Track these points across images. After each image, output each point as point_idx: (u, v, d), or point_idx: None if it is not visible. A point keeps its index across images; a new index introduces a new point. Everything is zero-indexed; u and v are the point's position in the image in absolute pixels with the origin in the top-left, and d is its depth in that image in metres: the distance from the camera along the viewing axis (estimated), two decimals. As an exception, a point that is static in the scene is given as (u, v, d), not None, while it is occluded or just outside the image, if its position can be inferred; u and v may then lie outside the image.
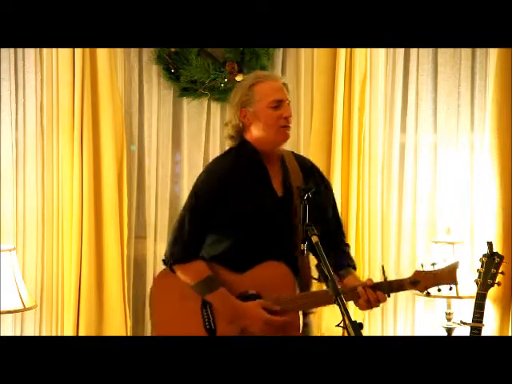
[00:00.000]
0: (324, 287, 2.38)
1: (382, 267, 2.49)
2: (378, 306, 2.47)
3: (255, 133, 2.60)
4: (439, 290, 2.53)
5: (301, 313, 2.53)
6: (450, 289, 2.52)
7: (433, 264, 2.51)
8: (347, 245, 2.75)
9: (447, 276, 2.47)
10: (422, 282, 2.47)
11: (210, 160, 3.85)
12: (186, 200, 2.66)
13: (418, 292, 3.63)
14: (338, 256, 2.64)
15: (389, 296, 2.47)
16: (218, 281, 2.55)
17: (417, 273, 2.49)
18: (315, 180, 2.68)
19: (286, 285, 2.50)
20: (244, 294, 2.55)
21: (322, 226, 2.54)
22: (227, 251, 2.59)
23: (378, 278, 2.54)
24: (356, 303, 2.48)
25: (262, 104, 2.56)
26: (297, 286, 2.51)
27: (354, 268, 2.66)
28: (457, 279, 2.46)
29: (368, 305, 2.46)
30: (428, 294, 2.55)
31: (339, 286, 2.38)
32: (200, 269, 2.57)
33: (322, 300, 2.48)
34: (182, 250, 2.59)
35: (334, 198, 2.76)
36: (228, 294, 2.53)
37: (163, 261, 2.66)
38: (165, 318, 2.65)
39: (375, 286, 2.45)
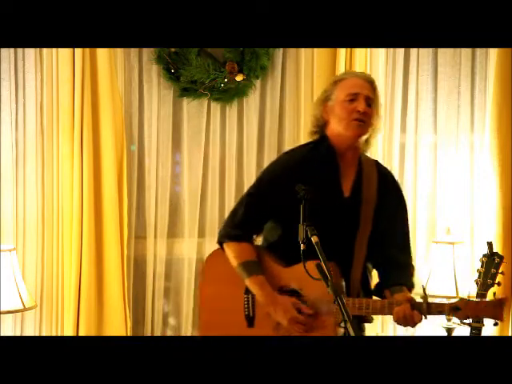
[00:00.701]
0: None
1: (424, 288, 2.44)
2: (413, 326, 2.42)
3: (333, 127, 2.61)
4: (478, 322, 2.47)
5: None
6: (495, 324, 2.42)
7: (480, 294, 2.44)
8: (411, 265, 2.69)
9: (492, 310, 2.38)
10: (463, 310, 2.39)
11: (210, 160, 3.89)
12: (253, 183, 2.71)
13: (417, 291, 3.66)
14: (398, 272, 2.61)
15: (425, 318, 2.42)
16: (261, 268, 2.57)
17: (461, 300, 2.43)
18: (390, 194, 2.65)
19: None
20: (285, 288, 2.56)
21: (385, 239, 2.58)
22: (282, 240, 2.60)
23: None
24: (393, 318, 2.44)
25: (339, 97, 2.57)
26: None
27: (409, 288, 2.59)
28: (503, 316, 2.37)
29: (404, 321, 2.42)
30: (464, 324, 2.46)
31: (380, 303, 2.43)
32: (246, 251, 2.61)
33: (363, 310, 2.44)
34: (233, 229, 2.65)
35: (406, 217, 2.71)
36: (265, 282, 2.55)
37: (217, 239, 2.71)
38: (210, 297, 2.68)
39: (414, 305, 2.41)
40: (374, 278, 2.73)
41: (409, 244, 2.71)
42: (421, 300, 2.42)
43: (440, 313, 2.43)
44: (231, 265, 2.62)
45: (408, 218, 2.73)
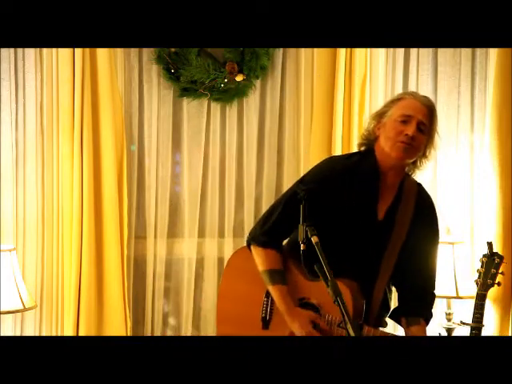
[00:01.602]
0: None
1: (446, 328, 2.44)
2: None
3: (381, 143, 2.57)
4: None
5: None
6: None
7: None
8: (433, 294, 2.68)
9: None
10: None
11: (210, 160, 3.89)
12: (288, 189, 2.67)
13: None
14: (417, 302, 2.61)
15: None
16: (284, 278, 2.58)
17: None
18: (425, 222, 2.63)
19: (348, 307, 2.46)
20: (304, 301, 2.57)
21: (411, 266, 2.57)
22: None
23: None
24: None
25: (393, 116, 2.54)
26: (361, 311, 2.47)
27: (426, 320, 2.60)
28: None
29: None
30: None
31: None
32: (273, 259, 2.62)
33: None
34: (263, 233, 2.64)
35: (436, 249, 2.70)
36: (287, 293, 2.56)
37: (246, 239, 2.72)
38: (230, 290, 2.70)
39: None
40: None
41: (435, 276, 2.69)
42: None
43: None
44: (255, 265, 2.64)
45: (437, 249, 2.71)
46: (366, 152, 2.62)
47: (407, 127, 2.50)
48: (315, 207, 2.46)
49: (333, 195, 2.53)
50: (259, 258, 2.63)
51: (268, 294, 2.61)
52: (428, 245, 2.67)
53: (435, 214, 2.71)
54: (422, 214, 2.62)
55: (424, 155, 2.59)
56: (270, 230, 2.63)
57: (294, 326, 2.53)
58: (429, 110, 2.57)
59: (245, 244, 2.75)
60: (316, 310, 2.55)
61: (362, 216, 2.53)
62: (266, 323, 2.60)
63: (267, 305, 2.61)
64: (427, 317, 2.62)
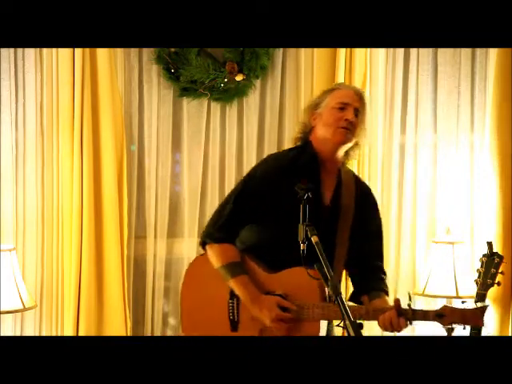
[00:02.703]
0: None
1: (409, 294, 2.47)
2: (399, 331, 2.45)
3: (318, 132, 2.65)
4: (464, 329, 2.47)
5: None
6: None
7: (463, 302, 2.49)
8: (384, 273, 2.75)
9: (474, 317, 2.42)
10: (447, 316, 2.42)
11: (210, 160, 3.89)
12: (236, 184, 2.74)
13: (418, 291, 3.66)
14: (374, 279, 2.67)
15: (411, 324, 2.45)
16: (243, 268, 2.59)
17: (444, 307, 2.45)
18: (367, 204, 2.71)
19: (312, 292, 2.49)
20: (271, 294, 2.56)
21: (360, 249, 2.64)
22: (262, 245, 2.62)
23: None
24: (379, 324, 2.47)
25: (330, 105, 2.63)
26: (322, 295, 2.50)
27: (387, 294, 2.66)
28: (484, 323, 2.41)
29: (390, 328, 2.44)
30: (452, 330, 2.48)
31: (364, 309, 2.48)
32: (229, 253, 2.63)
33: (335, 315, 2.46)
34: (217, 230, 2.66)
35: (380, 228, 2.77)
36: (250, 282, 2.56)
37: (200, 242, 2.72)
38: (192, 302, 2.69)
39: (400, 312, 2.43)
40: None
41: (382, 254, 2.77)
42: (406, 307, 2.44)
43: (425, 319, 2.46)
44: (214, 270, 2.63)
45: (382, 229, 2.79)
46: (303, 144, 2.70)
47: (345, 113, 2.60)
48: (263, 204, 2.58)
49: (278, 189, 2.58)
50: (216, 255, 2.63)
51: (232, 296, 2.60)
52: (374, 225, 2.75)
53: (375, 199, 2.81)
54: (363, 196, 2.71)
55: (357, 144, 2.68)
56: (224, 226, 2.65)
57: (262, 313, 2.52)
58: (362, 99, 2.66)
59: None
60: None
61: (309, 203, 2.56)
62: (234, 325, 2.60)
63: (233, 306, 2.60)
64: (386, 291, 2.67)
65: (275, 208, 2.58)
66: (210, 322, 2.63)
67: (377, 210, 2.79)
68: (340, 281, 2.68)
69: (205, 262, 2.68)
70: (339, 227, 2.62)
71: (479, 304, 2.49)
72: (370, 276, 2.68)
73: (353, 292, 2.73)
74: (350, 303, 2.63)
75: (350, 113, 2.60)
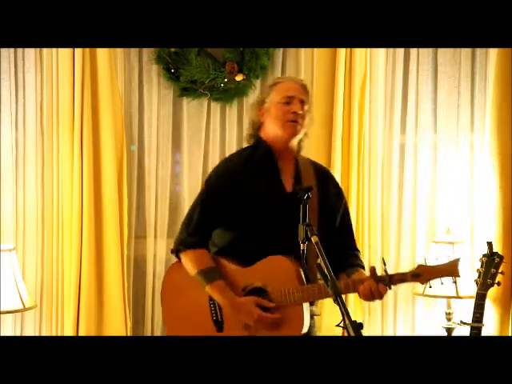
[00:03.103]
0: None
1: (383, 259, 2.53)
2: (380, 298, 2.50)
3: (268, 128, 2.69)
4: (442, 284, 2.55)
5: (307, 313, 2.54)
6: (454, 282, 2.54)
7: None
8: (357, 250, 2.80)
9: (449, 270, 2.49)
10: (424, 275, 2.49)
11: (210, 160, 3.89)
12: (199, 191, 2.76)
13: (418, 291, 3.66)
14: (348, 256, 2.71)
15: (390, 288, 2.50)
16: (219, 273, 2.60)
17: (419, 266, 2.51)
18: (327, 185, 2.74)
19: (290, 278, 2.51)
20: (250, 287, 2.58)
21: (331, 229, 2.66)
22: (234, 243, 2.64)
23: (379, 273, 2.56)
24: (360, 295, 2.51)
25: (274, 100, 2.66)
26: (304, 279, 2.53)
27: (363, 268, 2.70)
28: (459, 273, 2.48)
29: (372, 297, 2.49)
30: (430, 287, 2.58)
31: (343, 282, 2.49)
32: (203, 258, 2.64)
33: (321, 294, 2.51)
34: (188, 237, 2.67)
35: (346, 206, 2.80)
36: (226, 287, 2.58)
37: (172, 250, 2.73)
38: (174, 310, 2.69)
39: (377, 279, 2.48)
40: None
41: (352, 231, 2.83)
42: (383, 273, 2.49)
43: (403, 281, 2.52)
44: (189, 273, 2.65)
45: (348, 207, 2.83)
46: (255, 142, 2.73)
47: (292, 106, 2.63)
48: (226, 203, 2.62)
49: (237, 186, 2.63)
50: (191, 262, 2.65)
51: (212, 297, 2.62)
52: (340, 203, 2.77)
53: (335, 179, 2.85)
54: (324, 182, 2.73)
55: (305, 134, 2.72)
56: (196, 231, 2.67)
57: (242, 316, 2.54)
58: (306, 90, 2.70)
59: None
60: (263, 292, 2.57)
61: (272, 194, 2.64)
62: (219, 325, 2.61)
63: (215, 306, 2.62)
64: (362, 265, 2.71)
65: (239, 205, 2.62)
66: (194, 327, 2.64)
67: (339, 188, 2.83)
68: None
69: (178, 270, 2.69)
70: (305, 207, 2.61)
71: None
72: (344, 254, 2.70)
73: None
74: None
75: (297, 105, 2.63)
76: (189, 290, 2.67)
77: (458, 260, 2.50)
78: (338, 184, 2.85)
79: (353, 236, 2.82)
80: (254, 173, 2.67)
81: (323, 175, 2.77)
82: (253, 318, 2.53)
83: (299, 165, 2.71)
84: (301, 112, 2.64)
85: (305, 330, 2.54)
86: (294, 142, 2.69)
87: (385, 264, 2.51)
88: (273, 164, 2.68)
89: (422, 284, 2.55)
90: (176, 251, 2.70)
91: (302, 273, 2.40)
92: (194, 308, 2.64)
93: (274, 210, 2.61)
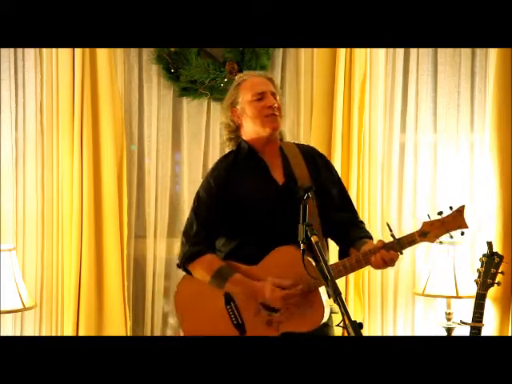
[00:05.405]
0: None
1: (388, 225, 2.50)
2: (392, 264, 2.50)
3: (247, 129, 2.69)
4: (451, 237, 2.53)
5: (326, 301, 2.53)
6: (462, 233, 2.52)
7: (439, 213, 2.50)
8: (361, 221, 2.78)
9: (456, 221, 2.48)
10: (431, 232, 2.48)
11: (210, 160, 3.89)
12: (192, 203, 2.75)
13: (418, 291, 3.66)
14: (353, 229, 2.69)
15: (401, 253, 2.50)
16: (233, 269, 2.60)
17: (425, 224, 2.50)
18: (318, 165, 2.73)
19: (299, 266, 2.44)
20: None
21: (330, 206, 2.66)
22: (236, 249, 2.64)
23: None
24: (373, 266, 2.51)
25: (246, 99, 2.66)
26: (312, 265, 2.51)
27: (371, 238, 2.67)
28: (466, 223, 2.47)
29: (384, 265, 2.49)
30: (441, 243, 2.54)
31: (354, 258, 2.51)
32: (212, 261, 2.64)
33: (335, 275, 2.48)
34: (190, 248, 2.67)
35: (338, 177, 2.79)
36: (244, 277, 2.58)
37: (177, 264, 2.72)
38: (193, 324, 2.68)
39: (387, 246, 2.48)
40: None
41: (352, 203, 2.81)
42: (391, 239, 2.49)
43: (412, 243, 2.51)
44: (202, 286, 2.64)
45: (342, 180, 2.82)
46: (237, 145, 2.73)
47: (266, 101, 2.64)
48: (221, 209, 2.63)
49: (228, 190, 2.64)
50: (202, 269, 2.65)
51: (228, 301, 2.61)
52: (334, 181, 2.76)
53: (324, 156, 2.83)
54: (313, 162, 2.73)
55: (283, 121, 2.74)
56: (197, 241, 2.67)
57: (267, 298, 2.54)
58: (272, 82, 2.71)
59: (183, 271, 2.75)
60: None
61: (265, 191, 2.63)
62: (240, 328, 2.60)
63: (233, 311, 2.61)
64: (369, 235, 2.69)
65: (234, 210, 2.62)
66: (218, 334, 2.62)
67: (330, 164, 2.82)
68: (325, 251, 2.68)
69: (188, 284, 2.69)
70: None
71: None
72: (350, 229, 2.69)
73: (339, 250, 2.73)
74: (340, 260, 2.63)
75: (270, 99, 2.64)
76: (203, 301, 2.66)
77: (463, 208, 2.48)
78: (326, 159, 2.82)
79: (354, 208, 2.81)
80: (242, 176, 2.67)
81: (310, 155, 2.75)
82: (276, 296, 2.52)
83: (285, 153, 2.70)
84: (276, 105, 2.64)
85: (325, 318, 2.53)
86: (276, 134, 2.69)
87: (390, 229, 2.49)
88: (259, 162, 2.67)
89: (432, 242, 2.51)
90: (182, 264, 2.69)
91: (310, 259, 2.32)
92: (213, 317, 2.63)
93: (270, 207, 2.60)
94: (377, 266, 2.50)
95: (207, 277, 2.62)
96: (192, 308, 2.68)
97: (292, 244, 2.45)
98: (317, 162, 2.74)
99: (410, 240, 2.51)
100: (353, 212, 2.79)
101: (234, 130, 2.72)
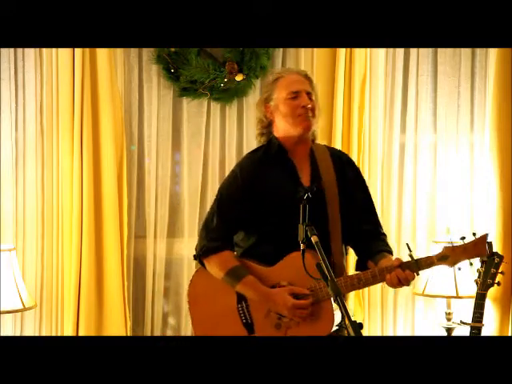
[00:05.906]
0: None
1: (408, 245, 2.49)
2: (407, 284, 2.49)
3: (279, 126, 2.68)
4: (471, 264, 2.51)
5: (336, 310, 2.52)
6: (483, 262, 2.51)
7: (462, 238, 2.49)
8: (383, 233, 2.76)
9: (477, 248, 2.47)
10: (451, 257, 2.47)
11: (210, 160, 3.90)
12: (215, 196, 2.75)
13: (418, 291, 3.66)
14: (374, 243, 2.68)
15: (418, 274, 2.48)
16: (247, 270, 2.60)
17: (446, 248, 2.49)
18: (347, 173, 2.71)
19: (314, 273, 2.43)
20: (277, 286, 2.57)
21: (354, 215, 2.64)
22: (254, 245, 2.64)
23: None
24: (386, 283, 2.50)
25: (281, 96, 2.64)
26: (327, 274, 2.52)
27: (390, 253, 2.66)
28: (487, 251, 2.46)
29: (399, 284, 2.48)
30: (459, 269, 2.54)
31: (370, 273, 2.49)
32: (228, 259, 2.64)
33: (348, 288, 2.50)
34: (209, 242, 2.67)
35: (365, 186, 2.77)
36: (257, 281, 2.57)
37: (194, 256, 2.72)
38: (202, 317, 2.69)
39: (404, 265, 2.47)
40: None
41: (377, 215, 2.78)
42: (409, 259, 2.48)
43: (430, 265, 2.50)
44: (216, 280, 2.64)
45: (369, 190, 2.79)
46: (268, 141, 2.71)
47: (300, 101, 2.62)
48: (246, 205, 2.61)
49: (255, 186, 2.63)
50: (216, 266, 2.65)
51: (240, 300, 2.62)
52: (362, 189, 2.75)
53: (354, 163, 2.83)
54: (342, 169, 2.71)
55: (317, 121, 2.71)
56: (216, 236, 2.67)
57: (278, 306, 2.53)
58: (309, 80, 2.68)
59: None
60: None
61: (291, 192, 2.58)
62: (249, 327, 2.60)
63: (243, 309, 2.61)
64: (389, 250, 2.68)
65: (257, 208, 2.61)
66: (224, 332, 2.62)
67: (359, 173, 2.80)
68: (343, 256, 2.68)
69: (203, 276, 2.69)
70: (328, 205, 2.62)
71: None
72: (370, 241, 2.68)
73: (357, 260, 2.73)
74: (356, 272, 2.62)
75: (304, 99, 2.62)
76: (216, 296, 2.66)
77: (485, 236, 2.47)
78: (357, 169, 2.81)
79: (378, 220, 2.78)
80: (269, 172, 2.65)
81: (340, 161, 2.74)
82: (288, 306, 2.51)
83: (315, 156, 2.68)
84: (310, 105, 2.62)
85: (334, 327, 2.52)
86: (308, 135, 2.67)
87: (410, 250, 2.47)
88: (288, 162, 2.66)
89: (451, 267, 2.49)
90: (199, 257, 2.69)
91: (324, 267, 2.29)
92: (223, 313, 2.63)
93: (294, 209, 2.51)
94: (391, 285, 2.49)
95: (221, 274, 2.62)
96: (204, 300, 2.68)
97: (308, 250, 2.40)
98: (345, 168, 2.72)
99: (428, 263, 2.49)
100: (376, 224, 2.75)
101: (267, 126, 2.71)
